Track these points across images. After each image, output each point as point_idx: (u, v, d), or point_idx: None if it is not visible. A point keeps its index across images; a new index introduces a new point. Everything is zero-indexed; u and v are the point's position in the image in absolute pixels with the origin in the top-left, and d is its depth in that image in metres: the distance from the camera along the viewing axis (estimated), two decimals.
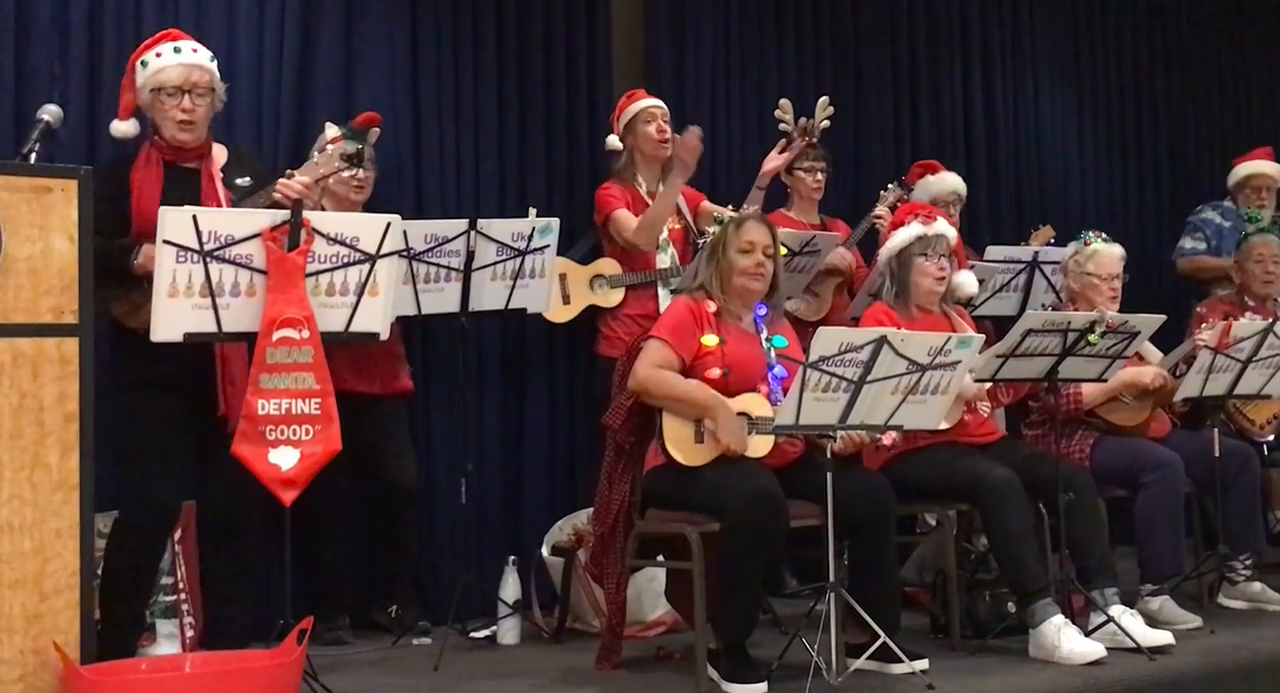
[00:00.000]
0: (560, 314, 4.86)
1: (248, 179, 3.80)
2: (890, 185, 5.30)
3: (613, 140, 4.95)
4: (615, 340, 4.79)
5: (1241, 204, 6.14)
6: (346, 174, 4.25)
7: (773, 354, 3.91)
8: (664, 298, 4.78)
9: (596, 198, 4.90)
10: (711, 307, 3.90)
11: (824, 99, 5.28)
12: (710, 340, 3.84)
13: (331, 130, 4.35)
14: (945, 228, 4.33)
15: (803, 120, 5.23)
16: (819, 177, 5.20)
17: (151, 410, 3.67)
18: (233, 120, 4.56)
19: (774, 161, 5.06)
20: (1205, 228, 6.12)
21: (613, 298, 4.87)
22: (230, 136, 4.58)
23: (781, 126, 5.26)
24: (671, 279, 4.81)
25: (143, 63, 3.77)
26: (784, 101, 5.27)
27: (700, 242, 4.06)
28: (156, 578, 3.93)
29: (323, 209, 4.12)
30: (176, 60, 3.74)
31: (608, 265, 4.89)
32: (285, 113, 4.69)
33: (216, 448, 3.71)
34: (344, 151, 3.70)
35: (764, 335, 3.94)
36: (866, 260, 5.20)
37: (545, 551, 4.76)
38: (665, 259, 4.86)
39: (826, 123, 5.28)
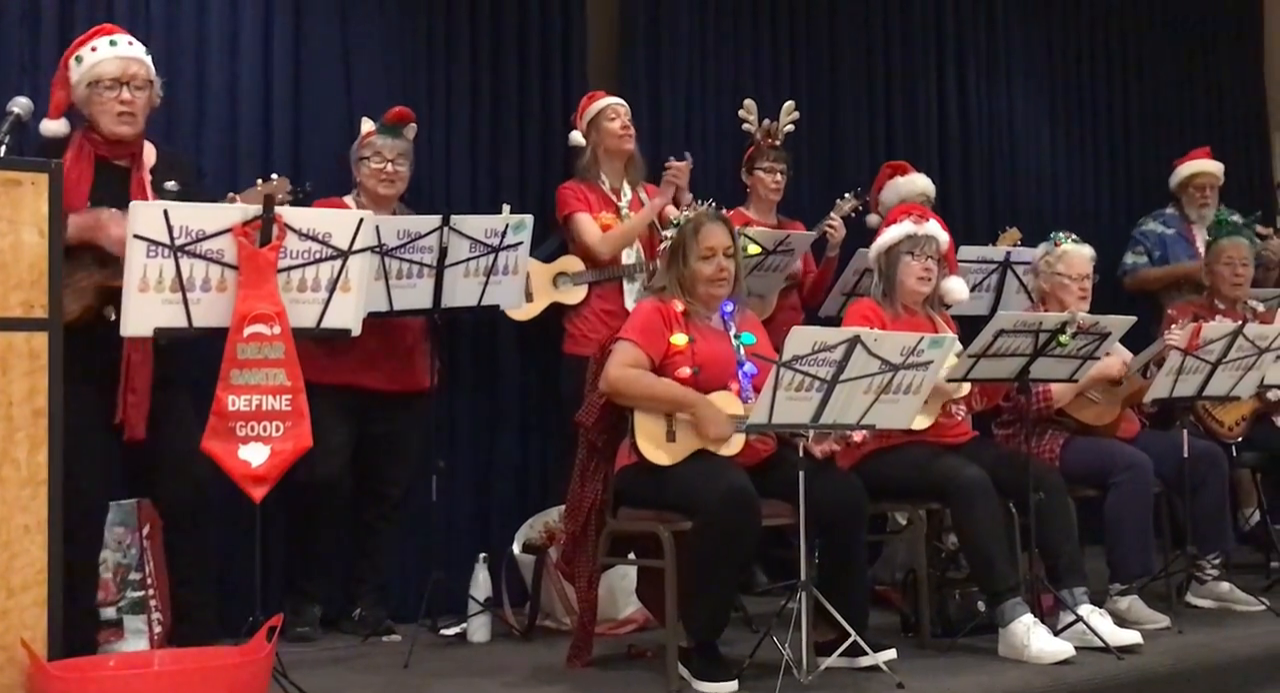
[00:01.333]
0: (522, 312, 4.86)
1: (175, 184, 3.79)
2: (847, 194, 5.33)
3: (575, 136, 4.98)
4: (581, 338, 4.80)
5: (1186, 206, 6.18)
6: (375, 167, 4.43)
7: (742, 351, 3.92)
8: (629, 293, 4.79)
9: (557, 196, 4.91)
10: (679, 306, 3.91)
11: (789, 104, 5.32)
12: (680, 340, 3.85)
13: (367, 125, 4.47)
14: (936, 230, 4.36)
15: (766, 122, 5.26)
16: (778, 177, 5.24)
17: (72, 405, 3.63)
18: (204, 118, 4.58)
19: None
20: (1145, 240, 6.17)
21: (576, 295, 4.87)
22: (199, 134, 4.57)
23: (745, 126, 5.29)
24: (636, 274, 4.82)
25: (77, 58, 3.78)
26: (748, 102, 5.31)
27: (661, 244, 4.05)
28: (97, 574, 3.91)
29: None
30: (113, 53, 3.75)
31: (571, 263, 4.90)
32: (249, 110, 4.69)
33: (165, 444, 3.72)
34: (286, 187, 3.82)
35: (733, 332, 3.95)
36: (818, 263, 5.25)
37: (516, 548, 4.75)
38: (630, 255, 4.87)
39: (790, 127, 5.31)
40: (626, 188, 4.94)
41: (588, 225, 4.83)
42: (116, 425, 3.68)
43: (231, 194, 3.73)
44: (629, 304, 4.73)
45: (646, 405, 3.77)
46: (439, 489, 4.39)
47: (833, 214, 5.23)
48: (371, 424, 4.42)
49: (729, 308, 3.97)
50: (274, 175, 3.97)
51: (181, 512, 3.83)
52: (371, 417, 4.41)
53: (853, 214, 5.26)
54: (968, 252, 5.41)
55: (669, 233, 3.99)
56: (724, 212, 4.06)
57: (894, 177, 5.48)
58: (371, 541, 4.62)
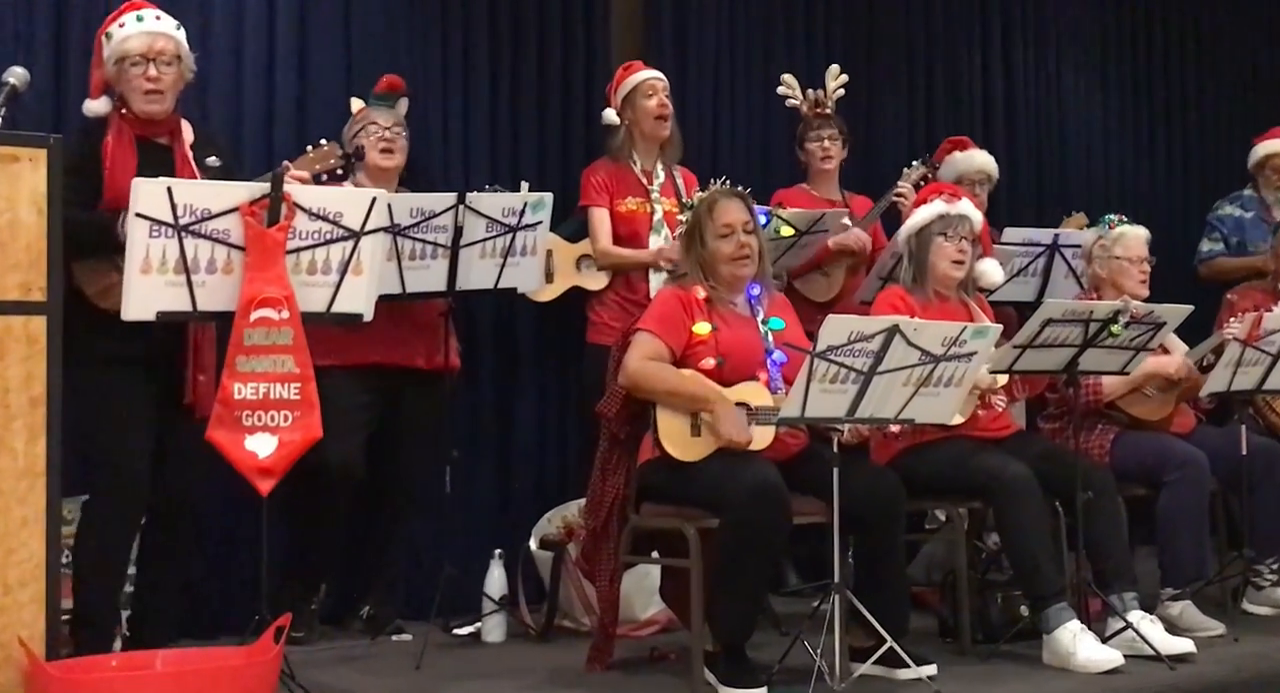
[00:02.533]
0: (542, 293, 4.87)
1: (216, 159, 3.83)
2: (915, 162, 5.31)
3: (609, 115, 4.93)
4: (604, 327, 4.81)
5: (1263, 187, 6.08)
6: (373, 135, 4.41)
7: (770, 338, 3.93)
8: (655, 282, 4.77)
9: (582, 180, 4.90)
10: (700, 292, 3.91)
11: (833, 68, 5.29)
12: (702, 328, 3.86)
13: (357, 104, 4.46)
14: (969, 209, 4.36)
15: (811, 92, 5.25)
16: (826, 145, 5.19)
17: (122, 388, 3.70)
18: (206, 89, 4.60)
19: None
20: (1222, 226, 6.08)
21: (599, 281, 4.88)
22: (219, 107, 4.60)
23: (789, 102, 5.28)
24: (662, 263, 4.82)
25: (107, 36, 3.81)
26: (787, 77, 5.29)
27: (678, 231, 4.06)
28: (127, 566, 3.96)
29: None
30: (139, 28, 3.78)
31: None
32: (255, 81, 4.73)
33: (178, 437, 3.75)
34: (338, 150, 3.83)
35: (760, 318, 3.96)
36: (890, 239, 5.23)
37: (533, 544, 4.79)
38: (657, 242, 4.85)
39: (841, 91, 5.28)
40: (660, 170, 4.90)
41: (599, 227, 4.81)
42: (186, 406, 3.72)
43: (286, 163, 3.72)
44: (654, 295, 4.73)
45: (667, 400, 3.79)
46: (453, 480, 4.42)
47: (900, 183, 5.22)
48: (395, 406, 4.44)
49: (755, 291, 3.98)
50: (323, 140, 3.96)
51: (175, 510, 3.86)
52: (396, 397, 4.43)
53: (922, 182, 5.24)
54: (1013, 234, 5.41)
55: (683, 216, 4.01)
56: (741, 189, 4.06)
57: (953, 152, 5.47)
58: (385, 533, 4.63)
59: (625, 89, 4.90)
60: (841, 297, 5.08)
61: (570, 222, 4.98)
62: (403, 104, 4.58)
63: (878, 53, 6.18)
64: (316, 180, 3.80)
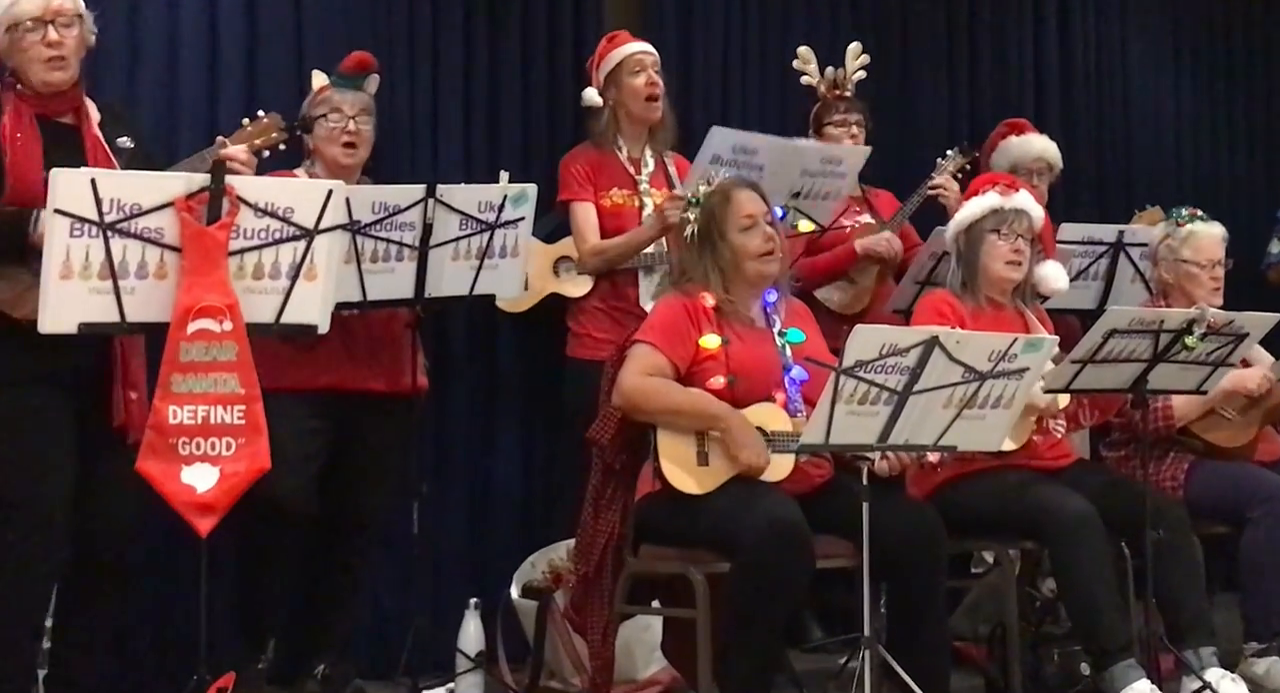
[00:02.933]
0: (516, 302, 4.86)
1: (128, 140, 3.82)
2: (950, 151, 5.32)
3: (590, 95, 4.92)
4: (587, 338, 4.81)
5: None
6: (333, 126, 4.36)
7: (789, 352, 3.93)
8: (645, 287, 4.77)
9: (560, 171, 4.87)
10: (709, 300, 3.92)
11: (854, 46, 5.31)
12: (711, 342, 3.87)
13: (318, 79, 4.44)
14: (1028, 203, 4.37)
15: (829, 71, 5.26)
16: (854, 132, 5.20)
17: (39, 411, 3.69)
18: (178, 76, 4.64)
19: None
20: None
21: (581, 286, 4.88)
22: (174, 86, 4.63)
23: (804, 80, 5.29)
24: (656, 265, 4.81)
25: None
26: (802, 50, 5.30)
27: (685, 232, 4.05)
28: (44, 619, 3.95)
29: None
30: None
31: (575, 248, 4.90)
32: (193, 53, 4.76)
33: (105, 466, 3.74)
34: (280, 122, 3.78)
35: (776, 329, 3.96)
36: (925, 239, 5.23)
37: (515, 592, 4.78)
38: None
39: (861, 73, 5.30)
40: (649, 157, 4.91)
41: (585, 224, 4.80)
42: (116, 429, 3.71)
43: (221, 138, 3.72)
44: (645, 302, 4.72)
45: (670, 422, 3.79)
46: (422, 518, 4.42)
47: (935, 175, 5.23)
48: (351, 435, 4.43)
49: (771, 298, 3.99)
50: (261, 112, 3.96)
51: (101, 553, 3.84)
52: (351, 425, 4.41)
53: (960, 174, 5.25)
54: (1071, 230, 5.41)
55: (690, 215, 4.00)
56: (751, 180, 4.06)
57: (1009, 136, 5.48)
58: (342, 580, 4.59)
59: (609, 65, 4.87)
60: (871, 308, 5.08)
61: (546, 219, 4.96)
62: (372, 82, 4.54)
63: (914, 24, 6.19)
64: (259, 159, 3.79)
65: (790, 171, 4.66)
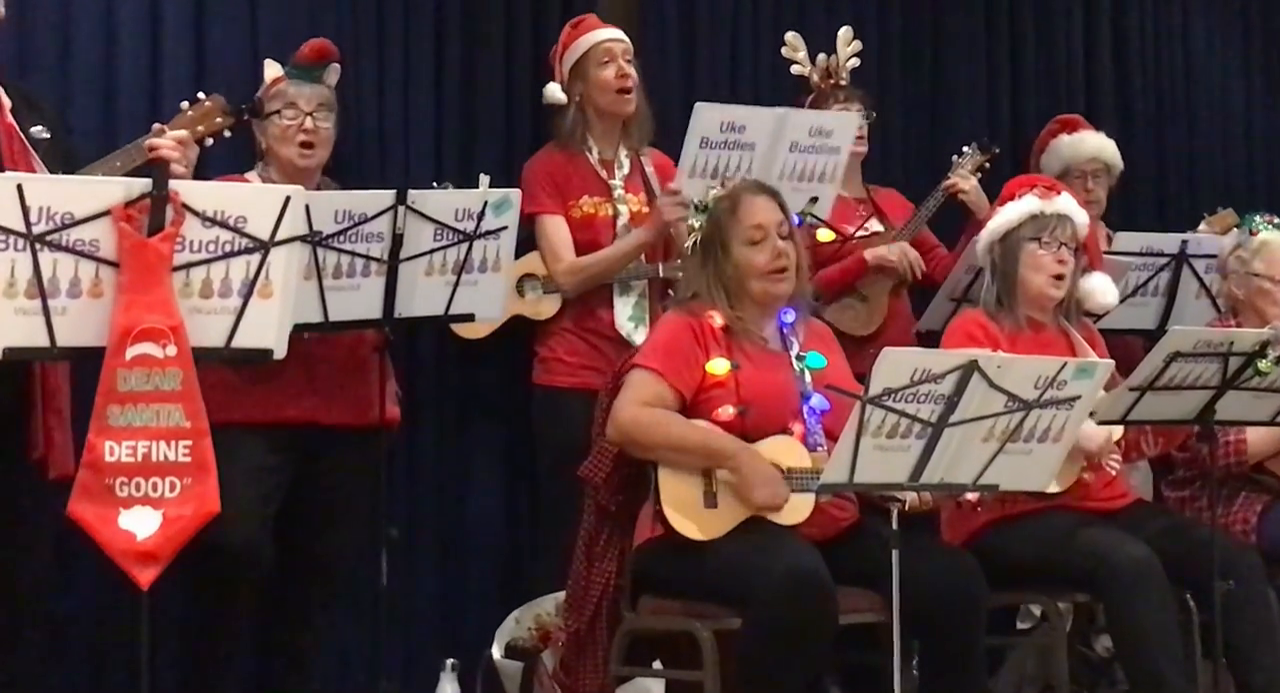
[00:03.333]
0: (473, 327, 4.89)
1: (41, 129, 3.84)
2: (966, 148, 5.35)
3: (552, 90, 4.91)
4: (557, 364, 4.82)
5: None
6: (288, 122, 4.36)
7: (808, 379, 3.95)
8: (621, 309, 4.79)
9: (522, 180, 4.85)
10: (718, 319, 3.94)
11: (845, 31, 5.36)
12: (719, 367, 3.89)
13: (271, 69, 4.44)
14: (1071, 207, 4.39)
15: (822, 58, 5.31)
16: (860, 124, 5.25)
17: None
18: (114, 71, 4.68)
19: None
20: None
21: (548, 306, 4.90)
22: (107, 87, 4.66)
23: (795, 69, 5.34)
24: (632, 283, 4.83)
25: None
26: (790, 36, 5.35)
27: (689, 241, 4.07)
28: None
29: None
30: None
31: (541, 263, 4.92)
32: (133, 42, 4.78)
33: (22, 508, 3.77)
34: (224, 105, 3.76)
35: (794, 353, 3.99)
36: (948, 245, 5.27)
37: (497, 651, 4.79)
38: None
39: (854, 61, 5.34)
40: (623, 157, 4.91)
41: (557, 240, 4.79)
42: (33, 462, 3.73)
43: (158, 125, 3.72)
44: (621, 324, 4.75)
45: (672, 458, 3.81)
46: (391, 569, 4.43)
47: (951, 174, 5.27)
48: (311, 473, 4.44)
49: (788, 318, 4.01)
50: (201, 95, 3.96)
51: (20, 611, 3.86)
52: (312, 462, 4.42)
53: (979, 172, 5.29)
54: (1128, 240, 5.44)
55: (696, 221, 4.03)
56: (769, 185, 4.08)
57: (1060, 134, 5.52)
58: (303, 638, 4.60)
59: (573, 55, 4.86)
60: (885, 328, 5.11)
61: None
62: (333, 73, 4.55)
63: (948, 9, 6.21)
64: (201, 148, 3.79)
65: (780, 148, 4.68)
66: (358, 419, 4.44)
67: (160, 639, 3.53)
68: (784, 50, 5.36)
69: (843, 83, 5.31)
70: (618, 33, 4.92)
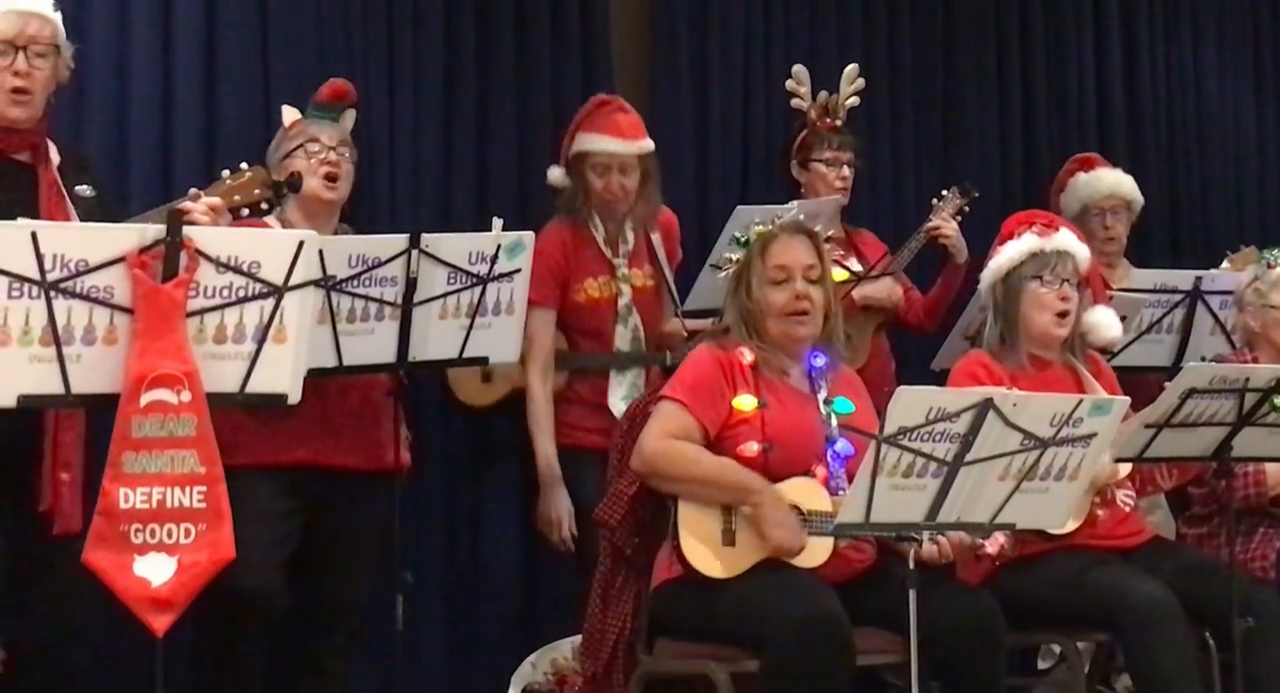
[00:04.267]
0: (479, 394, 4.91)
1: (87, 188, 3.85)
2: (946, 191, 5.37)
3: (555, 174, 4.92)
4: (560, 425, 4.83)
5: None
6: (313, 158, 4.37)
7: (834, 423, 3.95)
8: (616, 385, 4.81)
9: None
10: (747, 356, 3.96)
11: (851, 68, 5.38)
12: (746, 403, 3.89)
13: (290, 114, 4.45)
14: (1071, 243, 4.39)
15: (823, 96, 5.33)
16: (845, 172, 5.28)
17: None
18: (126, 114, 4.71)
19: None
20: None
21: (554, 382, 4.86)
22: (124, 113, 4.69)
23: (794, 102, 5.36)
24: (629, 366, 4.84)
25: None
26: (798, 69, 5.37)
27: (720, 266, 4.09)
28: None
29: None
30: (4, 6, 3.79)
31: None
32: (145, 89, 4.80)
33: (36, 561, 3.77)
34: (265, 177, 3.82)
35: (822, 396, 3.99)
36: (923, 287, 5.30)
37: None
38: (624, 336, 4.87)
39: (854, 100, 5.37)
40: (628, 231, 4.91)
41: (537, 333, 4.76)
42: (41, 514, 3.72)
43: (195, 190, 3.73)
44: (615, 404, 4.76)
45: (695, 492, 3.82)
46: (406, 613, 4.42)
47: (932, 217, 5.29)
48: (324, 517, 4.43)
49: (817, 361, 4.01)
50: (244, 165, 3.96)
51: (34, 664, 3.86)
52: (325, 506, 4.42)
53: (959, 215, 5.31)
54: (1142, 277, 5.44)
55: (735, 255, 4.04)
56: (814, 227, 4.07)
57: (1077, 173, 5.53)
58: (317, 683, 4.61)
59: (576, 147, 4.86)
60: (870, 365, 5.12)
61: None
62: (349, 117, 4.58)
63: (959, 41, 6.23)
64: (236, 216, 3.81)
65: None
66: (369, 464, 4.44)
67: (173, 686, 3.51)
68: (788, 83, 5.38)
69: (838, 122, 5.32)
70: (623, 145, 4.85)
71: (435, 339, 4.37)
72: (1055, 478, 3.70)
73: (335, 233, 4.45)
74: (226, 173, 3.93)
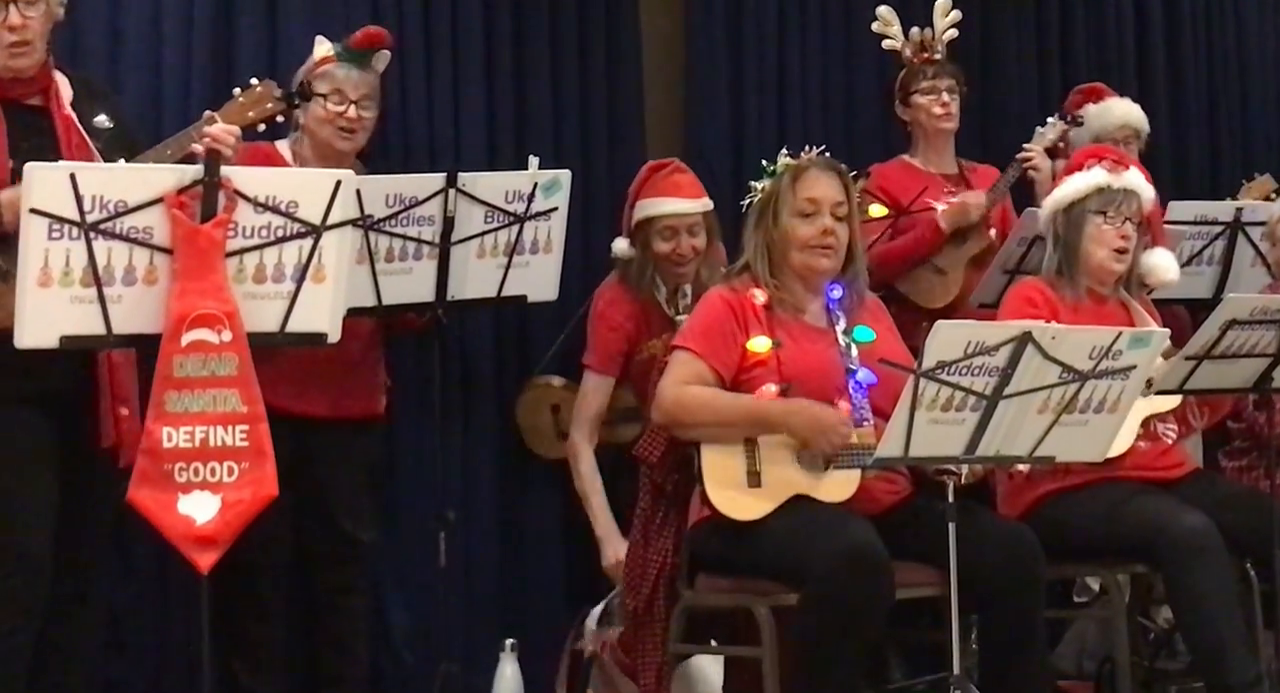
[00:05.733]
0: (554, 449, 4.95)
1: (104, 118, 3.85)
2: (1050, 119, 5.30)
3: (620, 246, 4.84)
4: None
5: None
6: (333, 109, 4.34)
7: (854, 352, 3.91)
8: None
9: (592, 315, 4.85)
10: (759, 297, 3.93)
11: (942, 2, 5.29)
12: (760, 345, 3.87)
13: (322, 48, 4.42)
14: (1139, 182, 4.37)
15: (915, 32, 5.26)
16: (945, 98, 5.19)
17: (14, 437, 3.74)
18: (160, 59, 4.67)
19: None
20: None
21: (629, 433, 4.75)
22: (147, 68, 4.66)
23: (886, 43, 5.29)
24: None
25: None
26: (883, 10, 5.29)
27: (744, 202, 4.05)
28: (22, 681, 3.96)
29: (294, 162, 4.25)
30: None
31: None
32: (174, 31, 4.78)
33: (92, 496, 3.80)
34: (275, 90, 3.78)
35: (840, 327, 3.96)
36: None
37: (592, 625, 4.67)
38: None
39: (953, 32, 5.29)
40: (687, 287, 4.79)
41: (589, 396, 4.78)
42: (105, 451, 3.75)
43: (209, 113, 3.73)
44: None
45: (719, 434, 3.80)
46: (449, 550, 4.44)
47: (1030, 145, 5.22)
48: (309, 463, 4.43)
49: (835, 293, 3.98)
50: (254, 80, 3.96)
51: (84, 596, 3.91)
52: (309, 453, 4.41)
53: (1060, 144, 5.24)
54: (1181, 209, 5.40)
55: (760, 184, 4.01)
56: (842, 165, 4.04)
57: (1084, 104, 5.47)
58: (333, 622, 4.60)
59: (639, 214, 4.75)
60: (962, 298, 5.07)
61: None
62: (381, 60, 4.52)
63: None
64: (253, 131, 3.81)
65: None
66: (335, 412, 4.45)
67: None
68: (875, 25, 5.29)
69: (937, 57, 5.26)
70: (688, 205, 4.76)
71: (473, 278, 4.40)
72: (1095, 411, 3.70)
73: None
74: (238, 91, 3.92)
